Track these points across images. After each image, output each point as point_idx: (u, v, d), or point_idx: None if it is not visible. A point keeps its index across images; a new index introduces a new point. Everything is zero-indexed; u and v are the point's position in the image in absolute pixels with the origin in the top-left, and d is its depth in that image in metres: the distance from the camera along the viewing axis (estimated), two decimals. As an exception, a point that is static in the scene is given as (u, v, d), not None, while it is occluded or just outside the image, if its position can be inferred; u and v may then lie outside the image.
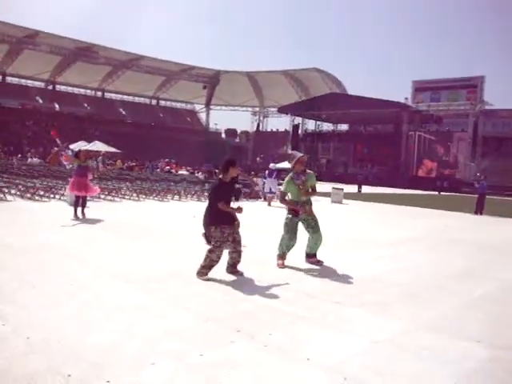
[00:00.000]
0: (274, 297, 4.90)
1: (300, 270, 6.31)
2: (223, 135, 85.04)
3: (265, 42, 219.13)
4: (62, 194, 13.82)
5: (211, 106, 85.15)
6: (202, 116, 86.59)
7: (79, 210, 10.32)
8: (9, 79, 65.20)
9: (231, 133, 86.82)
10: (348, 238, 9.69)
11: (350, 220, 14.06)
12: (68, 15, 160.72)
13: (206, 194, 17.45)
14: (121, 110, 75.17)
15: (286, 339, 3.70)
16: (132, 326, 3.76)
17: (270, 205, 16.70)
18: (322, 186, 19.01)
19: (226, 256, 5.68)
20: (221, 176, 5.72)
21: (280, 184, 17.14)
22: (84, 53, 64.70)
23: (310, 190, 6.66)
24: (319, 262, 6.70)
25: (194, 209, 12.53)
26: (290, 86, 76.28)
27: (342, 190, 21.03)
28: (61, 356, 3.13)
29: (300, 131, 60.19)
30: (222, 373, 3.01)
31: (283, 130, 73.52)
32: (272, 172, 17.65)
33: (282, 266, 6.38)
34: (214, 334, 3.73)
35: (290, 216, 6.57)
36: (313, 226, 6.61)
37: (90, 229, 8.99)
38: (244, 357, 3.30)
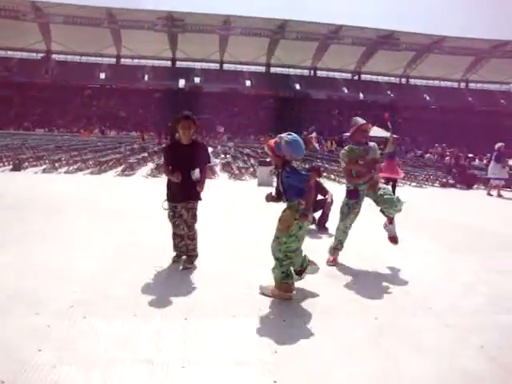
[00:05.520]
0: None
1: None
2: (547, 115, 72.84)
3: None
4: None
5: (531, 84, 74.16)
6: (521, 96, 76.22)
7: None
8: (318, 73, 72.55)
9: (559, 112, 73.58)
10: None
11: None
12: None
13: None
14: (425, 95, 73.42)
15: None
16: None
17: (489, 194, 13.91)
18: None
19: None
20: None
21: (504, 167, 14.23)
22: (385, 40, 66.14)
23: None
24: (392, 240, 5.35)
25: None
26: None
27: None
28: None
29: None
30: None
31: None
32: (493, 154, 14.43)
33: (331, 263, 5.20)
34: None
35: (346, 199, 5.23)
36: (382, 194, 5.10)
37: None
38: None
